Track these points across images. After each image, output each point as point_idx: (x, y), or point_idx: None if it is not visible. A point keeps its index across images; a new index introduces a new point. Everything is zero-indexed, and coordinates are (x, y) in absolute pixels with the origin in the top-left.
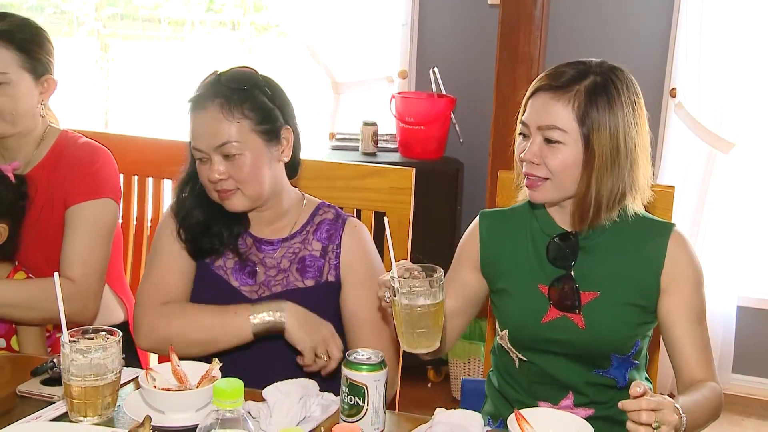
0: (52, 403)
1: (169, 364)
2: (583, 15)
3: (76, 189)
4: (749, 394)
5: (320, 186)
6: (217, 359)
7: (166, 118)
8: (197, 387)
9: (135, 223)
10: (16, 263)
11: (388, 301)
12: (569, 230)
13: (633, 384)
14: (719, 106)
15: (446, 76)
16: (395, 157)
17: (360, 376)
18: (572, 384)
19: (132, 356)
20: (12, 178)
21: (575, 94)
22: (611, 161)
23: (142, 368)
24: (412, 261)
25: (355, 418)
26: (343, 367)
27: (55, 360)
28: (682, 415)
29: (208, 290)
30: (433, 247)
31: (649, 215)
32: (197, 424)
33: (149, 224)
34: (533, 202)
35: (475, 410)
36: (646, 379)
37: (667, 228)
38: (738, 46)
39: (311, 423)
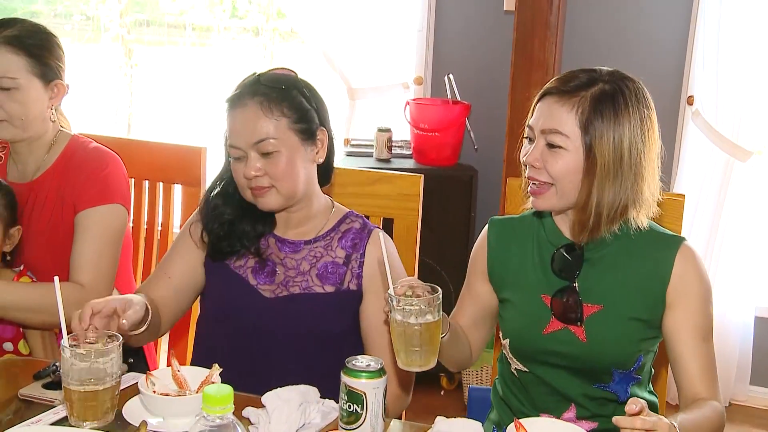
0: (53, 407)
1: (169, 369)
2: (599, 22)
3: (85, 194)
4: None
5: (329, 192)
6: (217, 365)
7: (189, 124)
8: (197, 392)
9: (145, 228)
10: (22, 267)
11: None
12: (575, 241)
13: (630, 401)
14: (737, 114)
15: (461, 83)
16: (409, 163)
17: (359, 384)
18: (573, 397)
19: (140, 360)
20: None
21: (581, 100)
22: (614, 172)
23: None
24: (420, 266)
25: (353, 426)
26: (342, 374)
27: (57, 364)
28: None
29: (226, 287)
30: (447, 254)
31: (659, 228)
32: None
33: (159, 229)
34: (536, 210)
35: (481, 418)
36: (650, 392)
37: (676, 241)
38: (756, 54)
39: (310, 430)
